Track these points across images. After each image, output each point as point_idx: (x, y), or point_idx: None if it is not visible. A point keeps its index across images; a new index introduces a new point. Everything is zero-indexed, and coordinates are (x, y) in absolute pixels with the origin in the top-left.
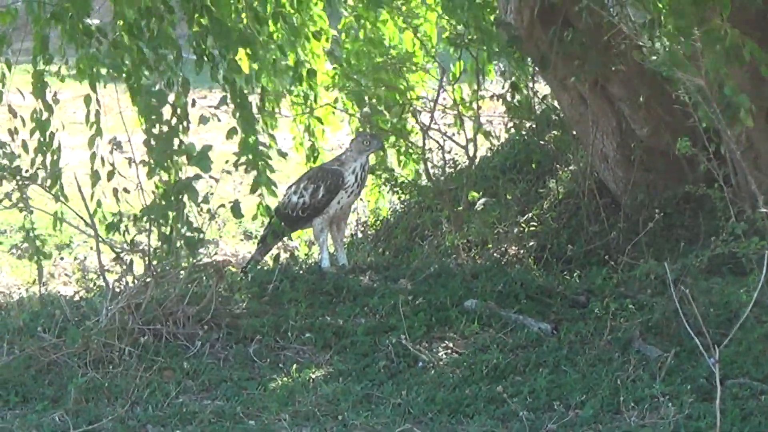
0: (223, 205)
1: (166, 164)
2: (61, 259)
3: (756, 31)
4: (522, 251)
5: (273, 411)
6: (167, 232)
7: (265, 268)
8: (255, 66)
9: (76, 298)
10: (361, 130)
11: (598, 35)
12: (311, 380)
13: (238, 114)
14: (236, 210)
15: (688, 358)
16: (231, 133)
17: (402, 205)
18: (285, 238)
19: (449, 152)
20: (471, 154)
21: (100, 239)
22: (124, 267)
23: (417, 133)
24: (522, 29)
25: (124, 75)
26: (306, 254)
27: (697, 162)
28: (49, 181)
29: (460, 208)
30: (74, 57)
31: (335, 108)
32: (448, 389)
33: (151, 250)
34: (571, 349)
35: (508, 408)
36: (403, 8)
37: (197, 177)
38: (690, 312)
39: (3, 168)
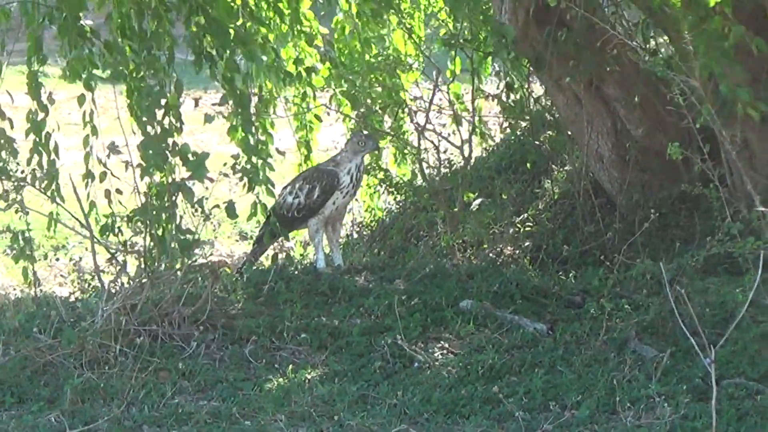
0: (217, 206)
1: (156, 163)
2: (57, 260)
3: (752, 27)
4: (517, 251)
5: (269, 411)
6: (160, 234)
7: (261, 268)
8: (253, 66)
9: (72, 299)
10: (356, 130)
11: (592, 36)
12: (307, 381)
13: (238, 112)
14: (231, 211)
15: (683, 358)
16: (232, 131)
17: (397, 206)
18: (280, 239)
19: (444, 152)
20: (466, 154)
21: (95, 240)
22: (119, 268)
23: (410, 133)
24: (517, 29)
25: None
26: (301, 255)
27: (692, 162)
28: (45, 182)
29: (456, 208)
30: (69, 57)
31: (330, 108)
32: (443, 390)
33: (146, 251)
34: (566, 349)
35: (504, 408)
36: (403, 6)
37: (192, 178)
38: (686, 312)
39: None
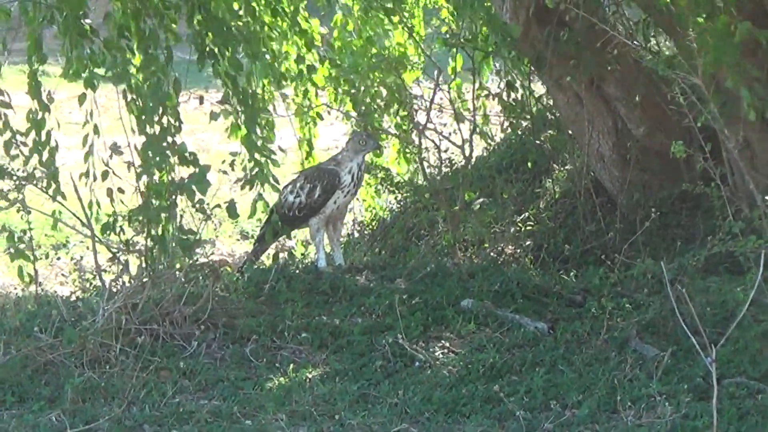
0: (218, 205)
1: (158, 163)
2: (58, 259)
3: (754, 25)
4: (518, 251)
5: (270, 411)
6: (159, 233)
7: (262, 268)
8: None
9: (73, 298)
10: (358, 129)
11: (593, 35)
12: (308, 380)
13: (241, 110)
14: (231, 210)
15: (684, 357)
16: (234, 129)
17: (398, 205)
18: (281, 238)
19: (446, 152)
20: (467, 153)
21: (96, 239)
22: (121, 267)
23: (409, 132)
24: (517, 29)
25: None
26: (302, 254)
27: (693, 161)
28: (45, 181)
29: (457, 207)
30: (69, 56)
31: (330, 108)
32: (444, 389)
33: (147, 250)
34: (567, 348)
35: (505, 407)
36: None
37: (199, 190)
38: (687, 311)
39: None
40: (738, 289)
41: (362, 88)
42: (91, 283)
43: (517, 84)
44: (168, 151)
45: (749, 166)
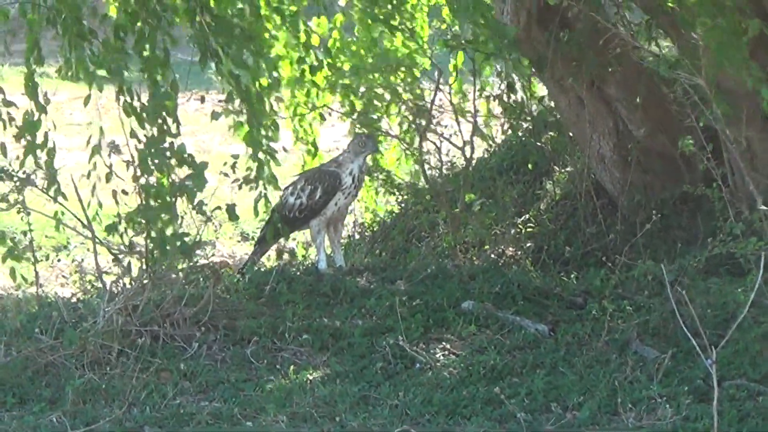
0: (219, 207)
1: (158, 165)
2: (59, 260)
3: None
4: (519, 252)
5: (270, 412)
6: (159, 235)
7: (262, 269)
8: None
9: (74, 299)
10: (359, 131)
11: (594, 36)
12: (308, 382)
13: (244, 108)
14: (231, 212)
15: (685, 359)
16: (238, 126)
17: (399, 207)
18: (282, 240)
19: (447, 154)
20: (468, 155)
21: (97, 241)
22: (123, 268)
23: (410, 134)
24: (519, 30)
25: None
26: (303, 256)
27: (694, 163)
28: (45, 183)
29: (457, 209)
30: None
31: (331, 109)
32: (445, 390)
33: (148, 252)
34: (568, 350)
35: (506, 409)
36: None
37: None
38: (687, 313)
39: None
40: (738, 291)
41: (362, 90)
42: (92, 285)
43: (517, 86)
44: (167, 153)
45: (749, 167)
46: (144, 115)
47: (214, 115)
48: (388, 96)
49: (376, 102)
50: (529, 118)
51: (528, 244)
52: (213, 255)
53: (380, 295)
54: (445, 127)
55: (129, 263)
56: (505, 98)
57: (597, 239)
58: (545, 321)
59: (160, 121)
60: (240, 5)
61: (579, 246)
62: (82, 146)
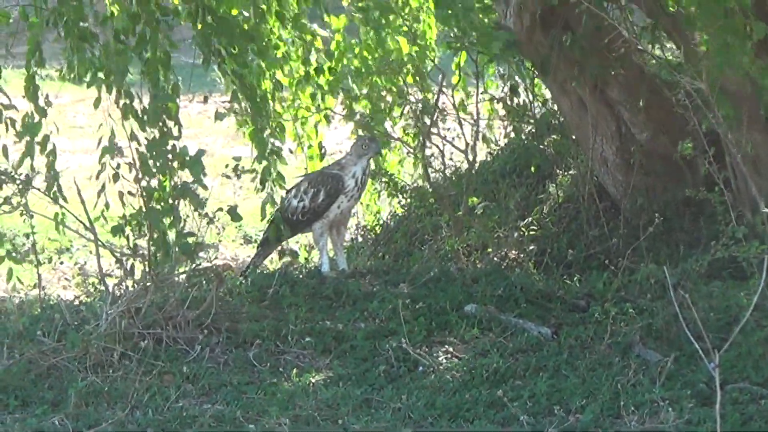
0: (221, 209)
1: (161, 167)
2: (61, 263)
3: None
4: (522, 255)
5: (273, 415)
6: (162, 237)
7: (265, 272)
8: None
9: (76, 302)
10: (362, 134)
11: (597, 39)
12: (311, 384)
13: (248, 106)
14: (234, 214)
15: (688, 362)
16: (243, 123)
17: (402, 210)
18: (285, 242)
19: (451, 157)
20: (471, 158)
21: (99, 243)
22: (126, 271)
23: (413, 137)
24: (521, 33)
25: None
26: (306, 259)
27: (696, 166)
28: (47, 185)
29: (460, 212)
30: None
31: (334, 112)
32: (448, 394)
33: (150, 254)
34: (571, 353)
35: (509, 412)
36: (405, 12)
37: (196, 182)
38: (690, 316)
39: (4, 173)
40: (741, 295)
41: (364, 91)
42: (94, 288)
43: (520, 88)
44: (169, 155)
45: (752, 171)
46: (145, 117)
47: (218, 116)
48: (390, 98)
49: (380, 104)
50: (532, 121)
51: (531, 247)
52: (216, 258)
53: (383, 298)
54: (448, 129)
55: (132, 266)
56: (508, 101)
57: (600, 242)
58: (548, 324)
59: (161, 123)
60: (241, 8)
61: (582, 249)
62: (85, 149)
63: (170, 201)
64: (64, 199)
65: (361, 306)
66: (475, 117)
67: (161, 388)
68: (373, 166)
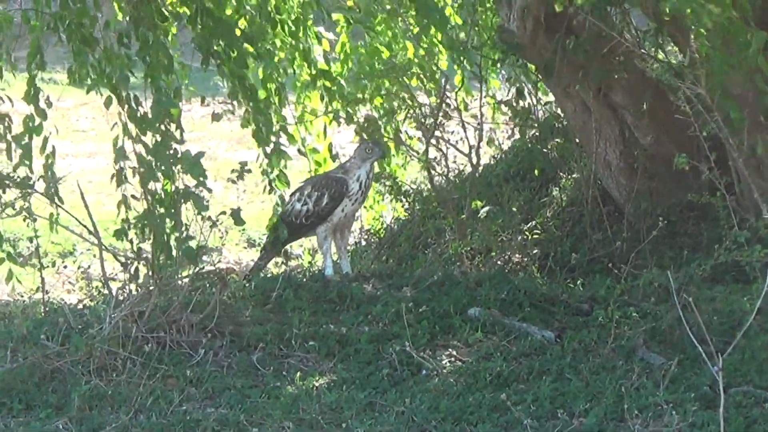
0: (224, 212)
1: (164, 171)
2: (65, 267)
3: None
4: (525, 259)
5: (277, 419)
6: (165, 241)
7: (269, 275)
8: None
9: (80, 305)
10: (366, 138)
11: (601, 43)
12: (315, 388)
13: (250, 105)
14: (237, 217)
15: (691, 366)
16: (245, 123)
17: (405, 213)
18: (288, 246)
19: (454, 161)
20: (474, 162)
21: (103, 247)
22: (130, 275)
23: (417, 140)
24: (525, 37)
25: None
26: (309, 262)
27: (700, 170)
28: (50, 187)
29: (464, 216)
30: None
31: (337, 115)
32: (451, 397)
33: (154, 258)
34: (574, 357)
35: (512, 416)
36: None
37: (199, 185)
38: (693, 320)
39: (7, 177)
40: (744, 299)
41: (367, 95)
42: (98, 291)
43: (525, 92)
44: (171, 159)
45: (755, 175)
46: (147, 121)
47: (215, 117)
48: (389, 102)
49: (387, 106)
50: (535, 125)
51: (534, 251)
52: (219, 261)
53: (387, 302)
54: (452, 133)
55: (136, 269)
56: (514, 103)
57: (603, 246)
58: (552, 328)
59: (163, 127)
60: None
61: (585, 253)
62: (88, 152)
63: (173, 204)
64: (60, 201)
65: (365, 309)
66: (480, 120)
67: (165, 392)
68: (377, 169)
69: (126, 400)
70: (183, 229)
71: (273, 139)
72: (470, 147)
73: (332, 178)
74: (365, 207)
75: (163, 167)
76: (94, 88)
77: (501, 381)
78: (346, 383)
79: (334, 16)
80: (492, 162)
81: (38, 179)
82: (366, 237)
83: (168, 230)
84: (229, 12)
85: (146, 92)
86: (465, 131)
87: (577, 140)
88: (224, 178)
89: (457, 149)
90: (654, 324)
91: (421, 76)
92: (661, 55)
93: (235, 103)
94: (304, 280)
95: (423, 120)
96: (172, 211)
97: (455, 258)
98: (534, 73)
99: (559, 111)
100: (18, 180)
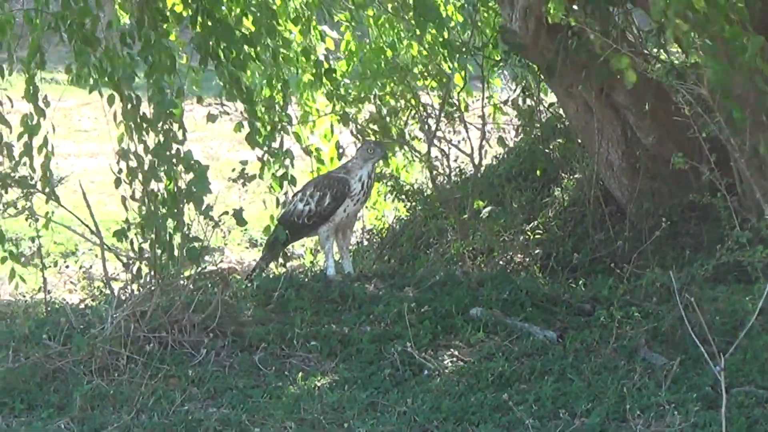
0: (226, 212)
1: (166, 172)
2: (67, 267)
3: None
4: (527, 259)
5: (278, 419)
6: (167, 241)
7: (271, 275)
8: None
9: (82, 305)
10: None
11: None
12: (317, 388)
13: (245, 108)
14: (239, 218)
15: (693, 366)
16: (237, 127)
17: (407, 213)
18: (290, 246)
19: (456, 161)
20: (476, 162)
21: (105, 247)
22: (132, 275)
23: (420, 141)
24: (527, 37)
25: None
26: (311, 262)
27: (702, 170)
28: (43, 184)
29: (466, 216)
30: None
31: (339, 115)
32: (453, 397)
33: (156, 258)
34: (576, 357)
35: (514, 416)
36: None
37: (196, 192)
38: (695, 320)
39: (8, 177)
40: (746, 299)
41: (371, 95)
42: (100, 291)
43: (528, 92)
44: (174, 159)
45: (757, 176)
46: (148, 121)
47: (210, 117)
48: (395, 101)
49: (390, 105)
50: (538, 125)
51: (536, 251)
52: (221, 261)
53: (389, 302)
54: (455, 133)
55: (138, 269)
56: (520, 102)
57: (605, 246)
58: (553, 328)
59: (166, 127)
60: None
61: (587, 253)
62: (90, 152)
63: (175, 204)
64: (57, 200)
65: (367, 309)
66: (482, 120)
67: (167, 392)
68: (379, 170)
69: (128, 400)
70: (185, 229)
71: (268, 142)
72: (472, 147)
73: (334, 178)
74: (367, 207)
75: (165, 167)
76: (96, 88)
77: (503, 381)
78: (348, 383)
79: (338, 15)
80: (494, 162)
81: (39, 179)
82: (368, 237)
83: (171, 230)
84: (236, 10)
85: (148, 92)
86: (467, 131)
87: (579, 140)
88: (226, 178)
89: (459, 149)
90: (656, 324)
91: (425, 74)
92: (663, 55)
93: (232, 104)
94: (306, 280)
95: (425, 120)
96: (175, 211)
97: (457, 258)
98: (536, 74)
99: (561, 111)
100: (19, 179)
